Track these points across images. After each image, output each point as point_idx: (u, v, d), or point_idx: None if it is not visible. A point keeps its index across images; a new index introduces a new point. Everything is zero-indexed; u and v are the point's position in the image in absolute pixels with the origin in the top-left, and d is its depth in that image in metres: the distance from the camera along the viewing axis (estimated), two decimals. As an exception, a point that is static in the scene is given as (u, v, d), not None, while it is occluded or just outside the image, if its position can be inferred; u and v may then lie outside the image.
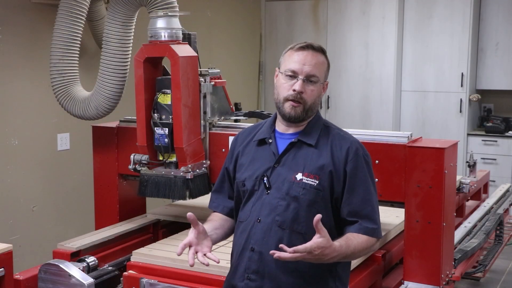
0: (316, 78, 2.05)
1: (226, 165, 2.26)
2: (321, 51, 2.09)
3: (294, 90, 2.03)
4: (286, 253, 1.83)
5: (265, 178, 2.07)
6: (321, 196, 2.03)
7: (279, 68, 2.12)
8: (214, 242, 2.10)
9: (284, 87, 2.06)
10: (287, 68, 2.06)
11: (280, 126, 2.14)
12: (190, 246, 1.96)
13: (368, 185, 2.07)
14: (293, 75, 2.04)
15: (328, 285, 2.06)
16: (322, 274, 2.04)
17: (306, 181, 2.03)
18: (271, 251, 1.86)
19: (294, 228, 2.01)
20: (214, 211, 2.28)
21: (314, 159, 2.05)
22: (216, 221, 2.18)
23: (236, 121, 3.52)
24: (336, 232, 2.06)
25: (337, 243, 1.92)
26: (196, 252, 1.96)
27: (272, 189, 2.06)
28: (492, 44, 6.43)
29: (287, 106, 2.05)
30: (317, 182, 2.02)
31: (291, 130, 2.12)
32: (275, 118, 2.17)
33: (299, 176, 2.04)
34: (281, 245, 1.86)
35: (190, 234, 1.98)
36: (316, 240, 1.85)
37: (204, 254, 1.96)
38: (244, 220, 2.10)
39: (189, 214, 1.97)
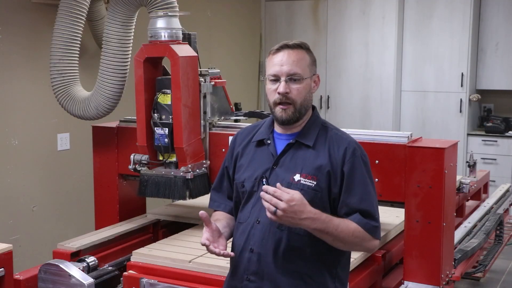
0: (298, 76, 2.04)
1: (226, 163, 2.26)
2: (299, 47, 2.08)
3: (279, 93, 2.03)
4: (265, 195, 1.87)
5: (264, 180, 2.06)
6: (319, 197, 2.02)
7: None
8: (225, 240, 2.11)
9: (271, 92, 2.07)
10: (268, 74, 2.07)
11: (279, 127, 2.14)
12: (207, 246, 1.98)
13: (366, 186, 2.05)
14: (276, 79, 2.05)
15: (327, 285, 2.05)
16: (321, 274, 2.04)
17: (304, 182, 2.02)
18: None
19: (293, 229, 2.00)
20: (215, 210, 2.27)
21: (311, 160, 2.05)
22: (223, 220, 2.18)
23: (236, 121, 3.52)
24: None
25: (317, 210, 1.92)
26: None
27: None
28: (492, 44, 6.43)
29: (278, 111, 2.06)
30: (314, 183, 2.02)
31: (289, 131, 2.11)
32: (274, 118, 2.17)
33: (297, 177, 2.03)
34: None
35: (205, 233, 1.99)
36: (291, 193, 1.87)
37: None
38: (244, 221, 2.10)
39: (202, 212, 1.98)
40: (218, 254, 1.97)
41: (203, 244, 1.98)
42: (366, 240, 2.03)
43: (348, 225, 1.98)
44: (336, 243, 2.00)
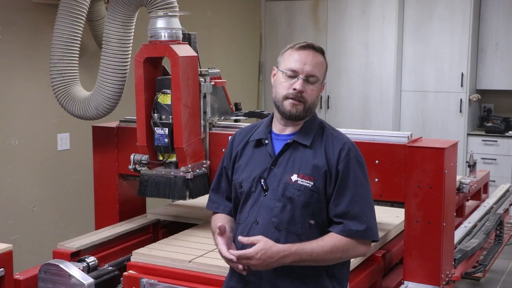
0: (315, 78, 2.05)
1: (224, 164, 2.25)
2: (321, 51, 2.09)
3: (294, 89, 2.03)
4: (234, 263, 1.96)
5: (262, 180, 2.07)
6: (316, 198, 2.02)
7: (277, 67, 2.11)
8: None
9: (284, 86, 2.05)
10: (287, 68, 2.05)
11: (277, 127, 2.14)
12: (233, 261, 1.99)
13: (359, 186, 2.04)
14: (293, 75, 2.04)
15: (325, 285, 2.05)
16: (319, 275, 2.04)
17: (301, 183, 2.02)
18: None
19: (290, 229, 2.01)
20: (215, 212, 2.27)
21: (309, 160, 2.05)
22: (226, 224, 2.16)
23: (236, 121, 3.52)
24: None
25: (286, 245, 1.94)
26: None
27: (268, 191, 2.06)
28: (492, 44, 6.43)
29: (287, 104, 2.05)
30: (311, 183, 2.02)
31: (287, 131, 2.11)
32: (272, 118, 2.17)
33: (294, 177, 2.04)
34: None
35: (221, 246, 2.01)
36: (254, 246, 1.92)
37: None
38: (243, 222, 2.10)
39: (220, 224, 2.03)
40: (240, 271, 1.99)
41: (230, 259, 1.97)
42: (352, 249, 2.02)
43: (323, 246, 1.97)
44: (319, 263, 2.01)
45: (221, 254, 2.01)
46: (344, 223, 2.01)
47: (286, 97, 2.05)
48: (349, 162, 2.04)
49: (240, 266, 1.97)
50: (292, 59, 2.05)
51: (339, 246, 1.99)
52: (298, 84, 2.03)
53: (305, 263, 1.98)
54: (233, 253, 1.95)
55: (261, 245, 1.92)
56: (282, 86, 2.06)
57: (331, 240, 1.99)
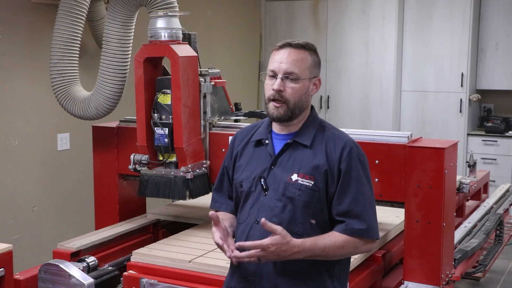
0: (295, 75, 2.03)
1: (225, 163, 2.26)
2: (303, 47, 2.07)
3: (273, 89, 2.03)
4: (242, 253, 1.91)
5: (262, 180, 2.07)
6: (317, 197, 2.02)
7: None
8: (233, 239, 2.12)
9: (267, 88, 2.07)
10: (268, 69, 2.07)
11: (276, 127, 2.14)
12: (220, 245, 1.98)
13: (361, 185, 2.04)
14: (273, 75, 2.05)
15: (326, 285, 2.06)
16: (320, 274, 2.05)
17: (302, 182, 2.02)
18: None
19: (291, 229, 2.00)
20: (217, 211, 2.27)
21: (309, 159, 2.05)
22: (226, 220, 2.17)
23: (236, 121, 3.52)
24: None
25: (300, 240, 1.94)
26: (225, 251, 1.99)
27: (269, 191, 2.06)
28: (492, 44, 6.43)
29: (271, 107, 2.05)
30: (312, 183, 2.02)
31: (286, 131, 2.11)
32: None
33: (294, 177, 2.04)
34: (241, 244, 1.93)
35: (216, 233, 2.00)
36: (271, 237, 1.89)
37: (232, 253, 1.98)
38: (243, 222, 2.10)
39: (212, 213, 2.00)
40: (228, 257, 1.98)
41: (217, 243, 1.98)
42: (360, 246, 2.03)
43: (335, 242, 1.98)
44: (329, 259, 2.02)
45: (214, 241, 2.00)
46: (346, 222, 2.01)
47: (269, 99, 2.05)
48: (351, 161, 2.04)
49: (229, 254, 1.95)
50: (272, 61, 2.07)
51: (350, 242, 2.00)
52: (275, 83, 2.03)
53: (316, 258, 1.98)
54: (248, 244, 1.91)
55: (279, 239, 1.90)
56: (266, 88, 2.08)
57: (343, 237, 2.00)
